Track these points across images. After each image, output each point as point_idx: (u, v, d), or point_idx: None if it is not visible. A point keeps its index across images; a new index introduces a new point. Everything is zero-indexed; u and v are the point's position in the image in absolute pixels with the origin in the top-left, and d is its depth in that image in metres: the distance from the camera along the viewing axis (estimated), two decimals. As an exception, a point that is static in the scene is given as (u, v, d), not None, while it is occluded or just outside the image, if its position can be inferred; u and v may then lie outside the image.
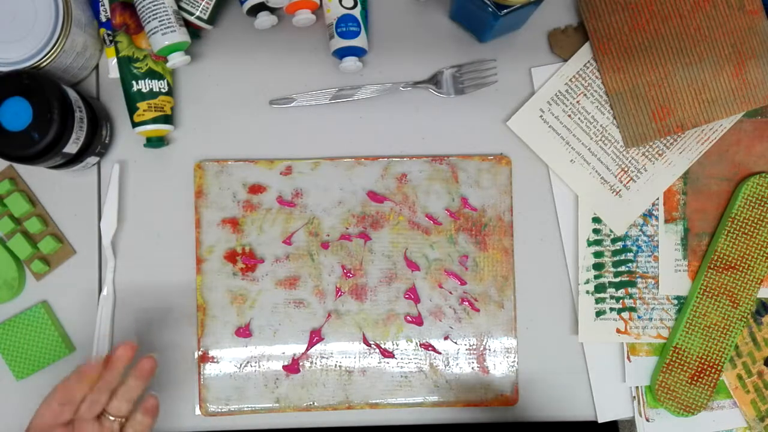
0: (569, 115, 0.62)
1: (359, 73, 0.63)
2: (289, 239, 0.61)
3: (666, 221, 0.62)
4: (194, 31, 0.61)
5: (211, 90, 0.63)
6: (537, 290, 0.62)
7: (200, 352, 0.60)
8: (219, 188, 0.61)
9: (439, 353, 0.61)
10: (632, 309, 0.61)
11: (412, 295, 0.61)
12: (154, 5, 0.55)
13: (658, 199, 0.62)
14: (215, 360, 0.60)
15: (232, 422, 0.61)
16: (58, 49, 0.55)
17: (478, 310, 0.61)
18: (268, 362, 0.60)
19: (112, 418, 0.51)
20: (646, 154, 0.62)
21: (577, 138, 0.62)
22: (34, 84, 0.52)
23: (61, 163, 0.57)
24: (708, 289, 0.60)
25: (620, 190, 0.62)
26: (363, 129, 0.63)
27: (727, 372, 0.61)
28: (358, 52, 0.60)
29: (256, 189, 0.61)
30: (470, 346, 0.61)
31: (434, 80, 0.63)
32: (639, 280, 0.62)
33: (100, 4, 0.60)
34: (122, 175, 0.62)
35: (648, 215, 0.62)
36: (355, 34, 0.59)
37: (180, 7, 0.58)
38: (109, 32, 0.60)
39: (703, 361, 0.60)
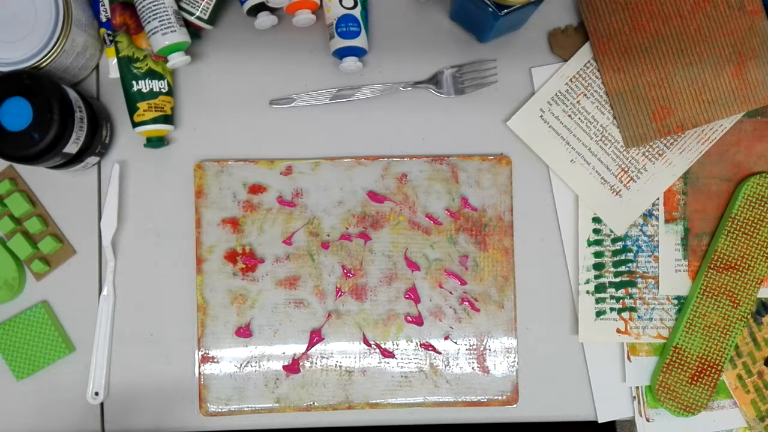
0: (569, 115, 0.62)
1: (359, 73, 0.63)
2: (290, 239, 0.61)
3: (666, 221, 0.62)
4: (194, 31, 0.61)
5: (211, 90, 0.63)
6: (537, 290, 0.62)
7: (200, 352, 0.60)
8: (219, 188, 0.61)
9: (440, 353, 0.61)
10: (632, 309, 0.61)
11: (413, 295, 0.61)
12: (155, 5, 0.55)
13: (658, 199, 0.62)
14: (215, 360, 0.60)
15: (232, 422, 0.61)
16: (58, 49, 0.55)
17: (478, 310, 0.61)
18: (268, 362, 0.60)
19: None
20: (647, 154, 0.62)
21: (577, 138, 0.62)
22: (34, 84, 0.52)
23: (61, 163, 0.57)
24: (708, 289, 0.60)
25: (620, 190, 0.62)
26: (363, 129, 0.63)
27: (727, 372, 0.61)
28: (358, 52, 0.60)
29: (256, 189, 0.61)
30: (470, 346, 0.61)
31: (434, 80, 0.63)
32: (639, 280, 0.62)
33: (100, 4, 0.60)
34: (122, 175, 0.62)
35: (648, 215, 0.62)
36: (356, 34, 0.59)
37: (180, 7, 0.58)
38: (110, 32, 0.60)
39: (703, 361, 0.60)
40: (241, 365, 0.60)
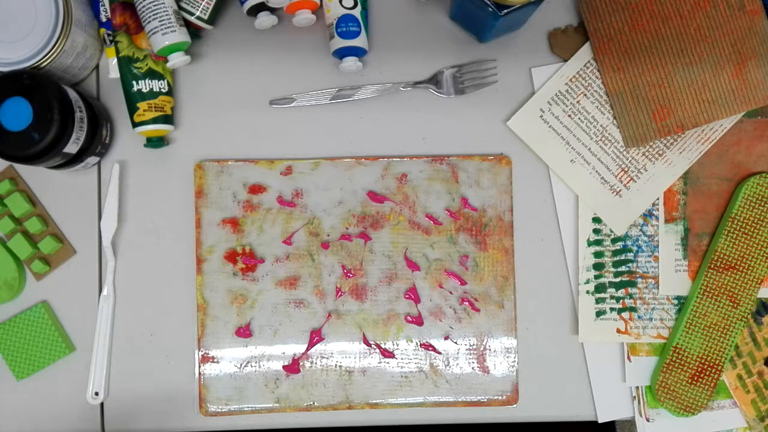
0: (569, 115, 0.62)
1: (359, 73, 0.63)
2: (290, 239, 0.61)
3: (666, 221, 0.62)
4: (194, 31, 0.61)
5: (211, 90, 0.63)
6: (537, 290, 0.62)
7: (200, 352, 0.60)
8: (219, 188, 0.61)
9: (440, 353, 0.61)
10: (632, 309, 0.61)
11: (413, 295, 0.61)
12: (155, 5, 0.55)
13: (658, 199, 0.62)
14: (215, 360, 0.60)
15: (232, 422, 0.61)
16: (58, 49, 0.55)
17: (478, 310, 0.61)
18: (268, 362, 0.60)
19: None
20: (647, 154, 0.62)
21: (577, 138, 0.62)
22: (34, 84, 0.52)
23: (61, 163, 0.57)
24: (708, 289, 0.60)
25: (620, 190, 0.62)
26: (363, 129, 0.63)
27: (727, 372, 0.61)
28: (358, 52, 0.60)
29: (256, 189, 0.61)
30: (470, 346, 0.61)
31: (434, 80, 0.63)
32: (639, 280, 0.62)
33: (101, 4, 0.60)
34: (122, 175, 0.62)
35: (648, 215, 0.62)
36: (356, 34, 0.59)
37: (180, 7, 0.58)
38: (110, 32, 0.60)
39: (703, 361, 0.60)
40: (241, 365, 0.60)
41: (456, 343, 0.61)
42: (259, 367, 0.60)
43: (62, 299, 0.61)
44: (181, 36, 0.57)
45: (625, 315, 0.61)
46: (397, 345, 0.61)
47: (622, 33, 0.61)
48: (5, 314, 0.61)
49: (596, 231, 0.62)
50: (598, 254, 0.62)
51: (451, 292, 0.61)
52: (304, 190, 0.61)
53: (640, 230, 0.62)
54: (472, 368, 0.61)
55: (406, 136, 0.63)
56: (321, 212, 0.61)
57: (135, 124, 0.59)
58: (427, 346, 0.61)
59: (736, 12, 0.60)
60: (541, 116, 0.62)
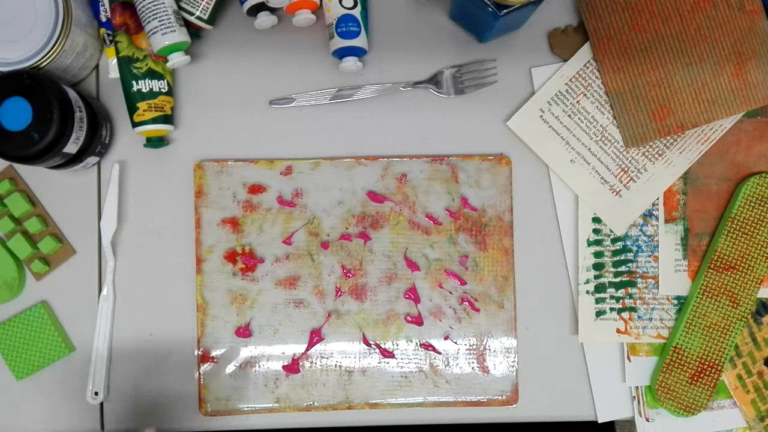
0: (569, 115, 0.62)
1: (359, 73, 0.63)
2: (289, 239, 0.61)
3: (666, 221, 0.62)
4: (194, 31, 0.61)
5: (211, 90, 0.63)
6: (537, 290, 0.62)
7: (200, 352, 0.60)
8: (219, 188, 0.61)
9: (439, 353, 0.61)
10: (632, 309, 0.61)
11: (412, 295, 0.61)
12: (154, 5, 0.55)
13: (658, 199, 0.62)
14: (215, 360, 0.60)
15: (232, 422, 0.61)
16: (58, 49, 0.55)
17: (478, 310, 0.61)
18: (268, 362, 0.60)
19: None
20: (646, 154, 0.62)
21: (577, 138, 0.62)
22: (34, 84, 0.52)
23: (61, 163, 0.57)
24: (708, 289, 0.60)
25: (620, 190, 0.62)
26: (363, 129, 0.63)
27: (727, 372, 0.61)
28: (358, 52, 0.60)
29: (256, 189, 0.61)
30: (470, 346, 0.61)
31: (434, 80, 0.63)
32: (639, 280, 0.62)
33: (100, 4, 0.60)
34: (122, 175, 0.62)
35: (648, 215, 0.62)
36: (355, 34, 0.59)
37: (180, 7, 0.58)
38: (109, 32, 0.60)
39: (703, 361, 0.60)
40: (241, 365, 0.60)
41: (456, 343, 0.61)
42: (259, 367, 0.60)
43: (62, 299, 0.61)
44: (181, 36, 0.57)
45: (625, 315, 0.61)
46: (397, 345, 0.61)
47: (622, 33, 0.61)
48: (5, 314, 0.61)
49: (596, 231, 0.62)
50: (598, 254, 0.62)
51: (451, 292, 0.61)
52: (303, 190, 0.61)
53: (640, 230, 0.62)
54: (472, 368, 0.61)
55: (406, 136, 0.63)
56: (321, 212, 0.61)
57: (135, 124, 0.59)
58: (427, 346, 0.61)
59: (736, 12, 0.60)
60: (541, 116, 0.62)
